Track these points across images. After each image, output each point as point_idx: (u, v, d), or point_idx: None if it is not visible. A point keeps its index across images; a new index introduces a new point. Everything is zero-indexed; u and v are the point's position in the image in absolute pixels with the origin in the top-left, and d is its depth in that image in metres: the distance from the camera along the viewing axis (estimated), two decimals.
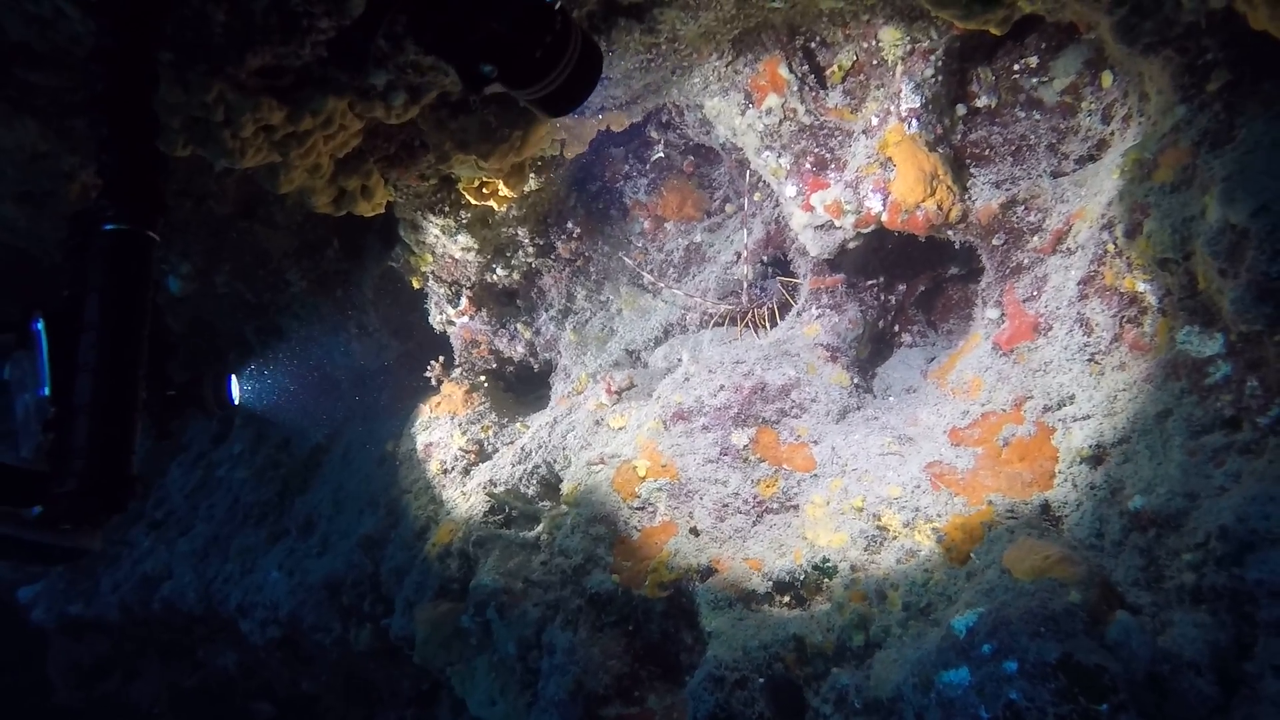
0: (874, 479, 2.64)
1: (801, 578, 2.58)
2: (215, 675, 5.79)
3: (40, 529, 1.74)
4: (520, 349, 4.32)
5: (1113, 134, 2.85)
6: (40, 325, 1.75)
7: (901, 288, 3.65)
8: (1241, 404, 2.04)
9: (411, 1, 1.56)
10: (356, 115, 2.80)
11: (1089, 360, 2.49)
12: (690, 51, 2.76)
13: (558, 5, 1.49)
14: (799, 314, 3.46)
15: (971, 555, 2.28)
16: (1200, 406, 2.12)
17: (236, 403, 2.42)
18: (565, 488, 3.30)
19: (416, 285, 4.19)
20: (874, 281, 3.50)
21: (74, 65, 2.60)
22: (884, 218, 2.87)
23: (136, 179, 1.66)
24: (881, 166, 2.84)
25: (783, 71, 2.95)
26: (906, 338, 3.78)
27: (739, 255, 3.87)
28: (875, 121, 2.88)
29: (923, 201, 2.78)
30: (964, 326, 3.78)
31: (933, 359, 3.66)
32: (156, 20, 1.75)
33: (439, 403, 4.22)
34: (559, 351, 4.27)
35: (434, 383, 4.30)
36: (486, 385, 4.31)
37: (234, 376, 2.46)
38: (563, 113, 1.70)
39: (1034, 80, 2.96)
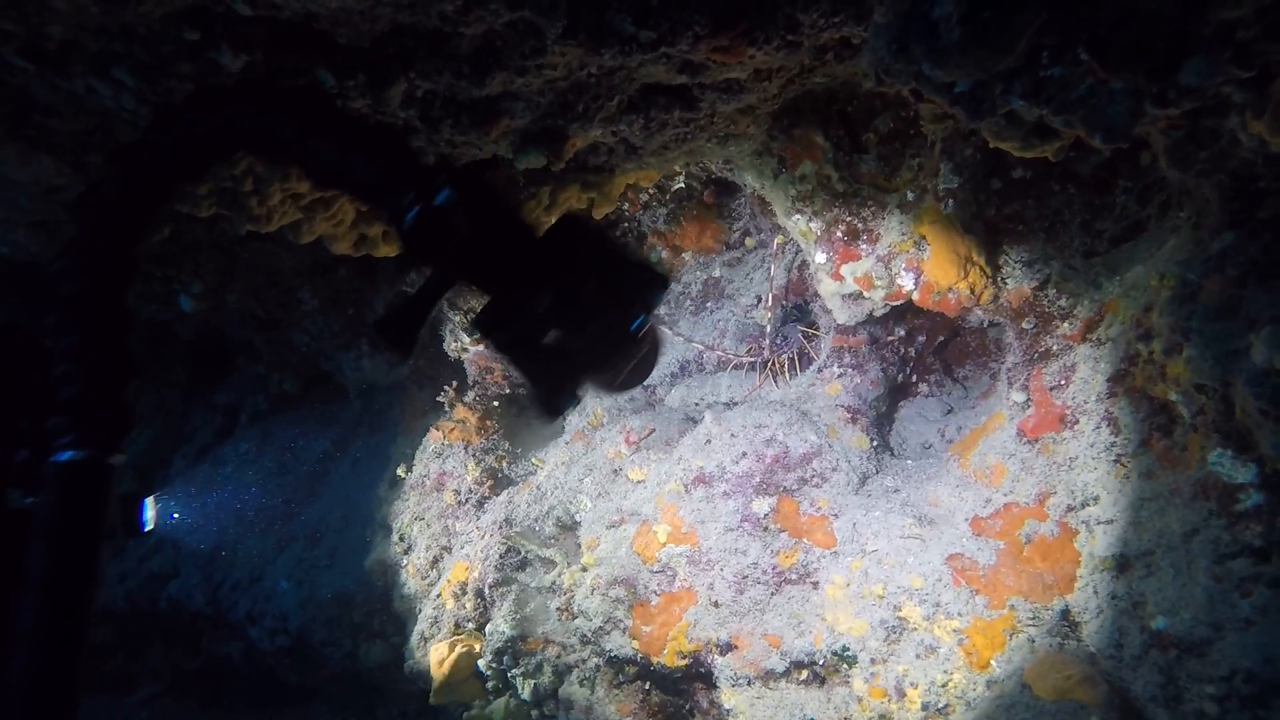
0: (894, 564, 2.67)
1: (821, 661, 2.62)
2: (219, 661, 5.89)
3: None
4: None
5: (1149, 217, 2.82)
6: None
7: (921, 339, 3.64)
8: (1272, 536, 2.07)
9: (486, 303, 1.29)
10: None
11: (1115, 461, 2.50)
12: (728, 124, 2.70)
13: (644, 331, 1.34)
14: (820, 370, 3.46)
15: (992, 662, 2.32)
16: (1228, 531, 2.14)
17: (149, 528, 2.02)
18: (583, 538, 3.32)
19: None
20: (895, 336, 3.50)
21: (92, 112, 2.54)
22: (915, 296, 2.85)
23: (106, 397, 1.33)
24: (915, 245, 2.81)
25: (818, 138, 2.89)
26: (924, 387, 3.78)
27: (759, 299, 3.84)
28: (911, 197, 2.84)
29: (955, 284, 2.76)
30: (979, 375, 3.78)
31: (949, 410, 3.67)
32: (142, 227, 1.52)
33: (452, 429, 4.22)
34: None
35: (447, 408, 4.29)
36: (500, 410, 4.31)
37: (149, 500, 2.06)
38: (616, 392, 1.61)
39: (1070, 153, 2.91)
